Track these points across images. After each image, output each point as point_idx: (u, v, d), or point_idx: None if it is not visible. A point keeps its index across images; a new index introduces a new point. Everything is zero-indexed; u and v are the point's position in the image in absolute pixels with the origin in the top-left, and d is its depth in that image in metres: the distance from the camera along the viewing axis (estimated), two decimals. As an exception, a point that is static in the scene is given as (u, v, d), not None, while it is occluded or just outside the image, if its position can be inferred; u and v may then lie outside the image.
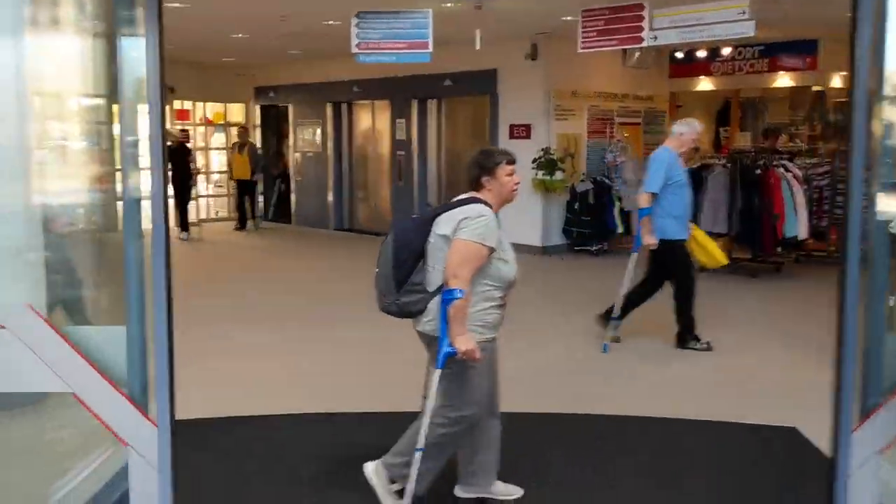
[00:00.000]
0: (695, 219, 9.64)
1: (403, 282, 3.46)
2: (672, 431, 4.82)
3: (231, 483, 4.06)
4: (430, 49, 8.04)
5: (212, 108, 15.73)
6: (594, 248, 11.34)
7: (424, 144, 13.02)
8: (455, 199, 3.63)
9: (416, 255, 3.48)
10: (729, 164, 9.71)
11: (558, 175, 10.88)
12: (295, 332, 7.23)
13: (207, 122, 15.54)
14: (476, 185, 3.62)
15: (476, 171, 3.61)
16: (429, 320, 3.46)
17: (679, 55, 12.31)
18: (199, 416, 4.68)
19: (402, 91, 12.97)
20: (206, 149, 15.62)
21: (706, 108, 13.71)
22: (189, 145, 13.88)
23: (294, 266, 10.99)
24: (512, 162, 3.65)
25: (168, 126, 12.45)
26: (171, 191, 12.33)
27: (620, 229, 11.43)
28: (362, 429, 4.79)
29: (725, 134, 13.28)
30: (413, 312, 3.49)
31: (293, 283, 9.69)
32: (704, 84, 12.52)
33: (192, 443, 4.06)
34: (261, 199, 15.17)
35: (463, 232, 3.37)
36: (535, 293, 8.68)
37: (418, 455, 3.42)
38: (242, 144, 14.35)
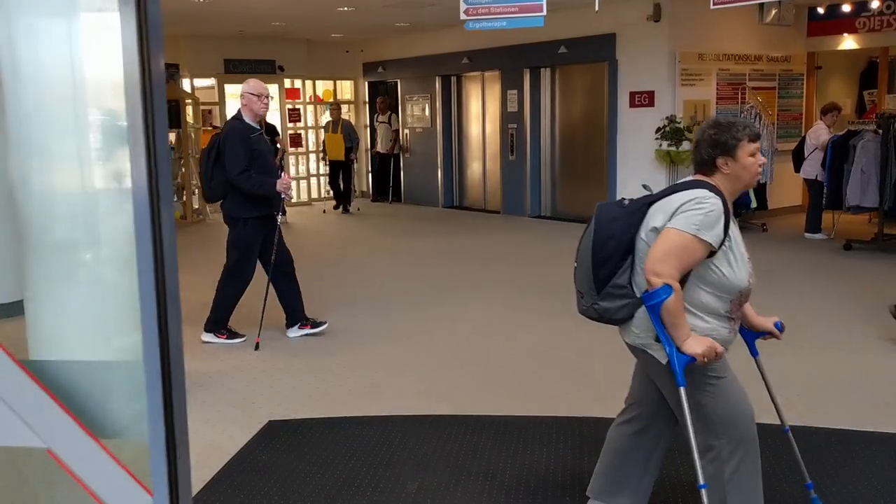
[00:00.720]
0: (838, 192, 8.71)
1: (605, 282, 2.81)
2: None
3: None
4: (544, 12, 7.40)
5: (321, 87, 15.55)
6: (724, 224, 10.44)
7: (538, 116, 12.38)
8: (679, 182, 2.95)
9: (623, 250, 2.80)
10: (880, 131, 8.66)
11: (685, 145, 10.04)
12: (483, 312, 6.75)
13: (317, 100, 15.38)
14: (708, 168, 2.86)
15: (709, 150, 2.84)
16: (638, 331, 2.81)
17: (820, 11, 11.17)
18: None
19: (514, 61, 12.35)
20: (316, 127, 15.47)
21: (849, 69, 12.46)
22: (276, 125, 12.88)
23: (429, 246, 10.63)
24: (756, 138, 2.86)
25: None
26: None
27: (754, 204, 10.48)
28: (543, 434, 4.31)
29: (871, 97, 12.02)
30: (615, 320, 2.85)
31: (443, 263, 9.32)
32: (848, 42, 11.31)
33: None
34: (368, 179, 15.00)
35: (677, 219, 2.69)
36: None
37: (703, 491, 2.69)
38: (336, 122, 13.54)
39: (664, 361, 2.74)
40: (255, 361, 5.45)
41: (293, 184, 14.36)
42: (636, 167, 10.81)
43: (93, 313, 2.15)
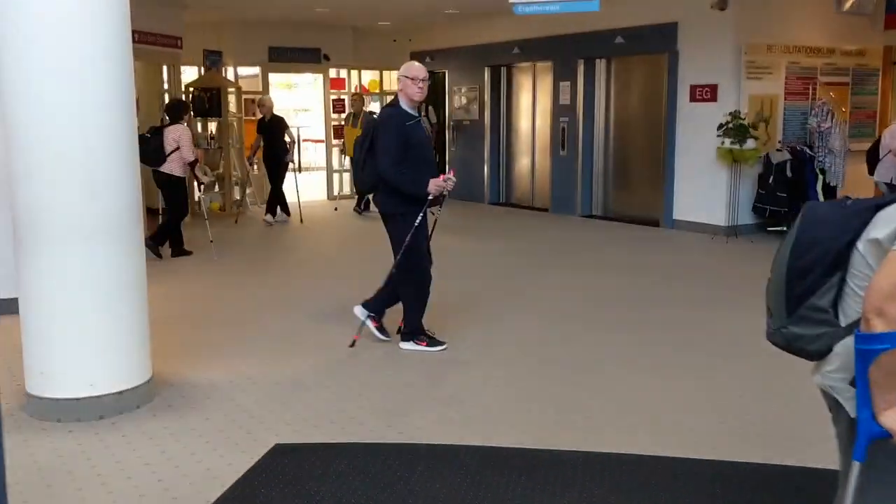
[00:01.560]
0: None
1: (801, 301, 2.16)
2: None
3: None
4: (601, -3, 6.81)
5: (367, 77, 15.11)
6: (790, 229, 9.71)
7: (591, 110, 11.75)
8: None
9: (830, 262, 2.13)
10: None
11: (750, 143, 9.33)
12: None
13: (363, 91, 14.93)
14: None
15: None
16: (832, 370, 2.15)
17: (901, 0, 10.34)
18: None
19: (567, 51, 11.73)
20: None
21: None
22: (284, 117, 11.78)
23: (474, 248, 10.10)
24: None
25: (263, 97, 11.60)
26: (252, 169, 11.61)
27: (823, 208, 9.71)
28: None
29: (954, 94, 11.12)
30: (808, 352, 2.20)
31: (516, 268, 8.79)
32: (930, 34, 10.45)
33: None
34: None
35: None
36: (725, 287, 7.34)
37: None
38: (356, 115, 12.27)
39: (853, 415, 2.09)
40: (274, 373, 5.00)
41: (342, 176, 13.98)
42: (696, 165, 10.13)
43: None
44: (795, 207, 9.40)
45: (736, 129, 9.36)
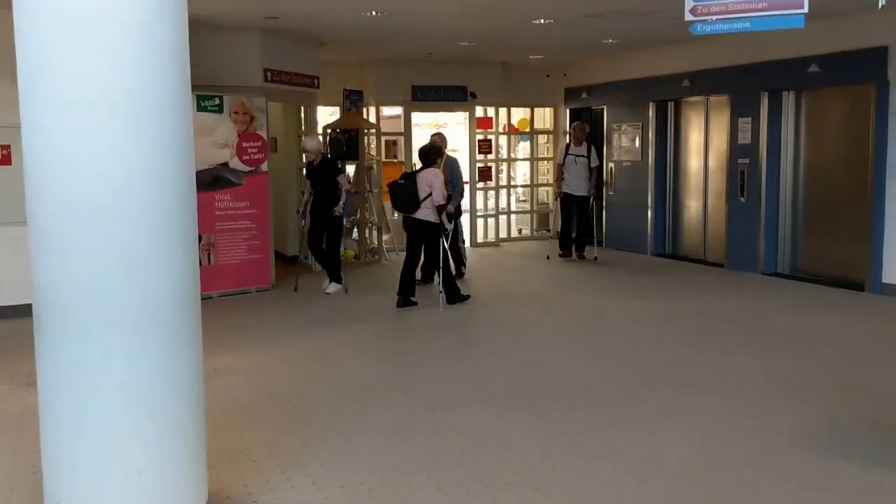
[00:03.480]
0: None
1: None
2: None
3: None
4: (805, 9, 5.29)
5: (517, 115, 14.00)
6: None
7: (777, 150, 10.02)
8: None
9: None
10: None
11: None
12: None
13: (512, 130, 13.83)
14: None
15: None
16: None
17: None
18: None
19: (748, 83, 10.09)
20: (510, 160, 13.91)
21: None
22: (338, 163, 10.03)
23: (633, 312, 8.69)
24: None
25: (305, 137, 9.88)
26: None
27: None
28: None
29: None
30: None
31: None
32: None
33: None
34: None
35: None
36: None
37: None
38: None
39: None
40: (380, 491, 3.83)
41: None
42: (915, 218, 8.22)
43: None
44: None
45: (973, 175, 7.44)
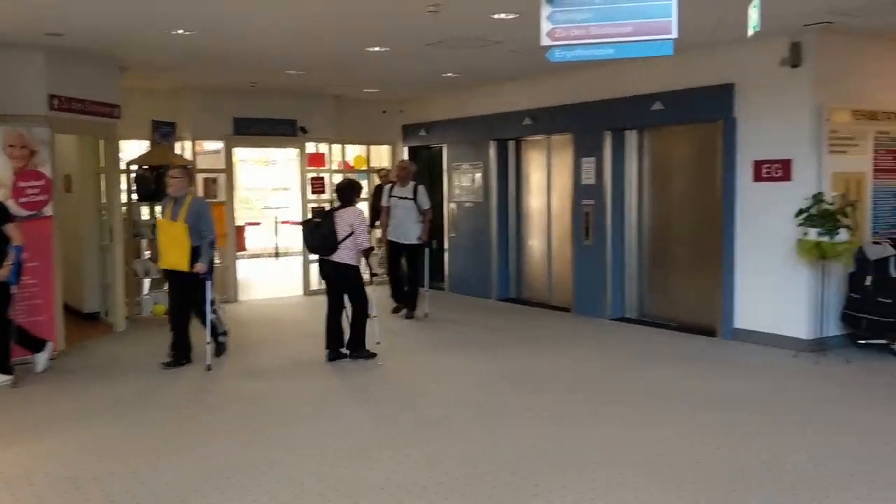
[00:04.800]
0: None
1: None
2: None
3: None
4: (674, 34, 4.71)
5: (352, 152, 13.09)
6: (896, 344, 7.50)
7: (622, 191, 9.65)
8: None
9: None
10: None
11: (842, 235, 7.18)
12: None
13: (347, 168, 12.89)
14: None
15: None
16: None
17: None
18: None
19: (591, 121, 9.70)
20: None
21: None
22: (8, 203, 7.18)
23: (473, 368, 7.83)
24: None
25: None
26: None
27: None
28: None
29: None
30: None
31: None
32: None
33: None
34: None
35: None
36: (872, 442, 5.04)
37: None
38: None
39: None
40: None
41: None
42: (765, 261, 7.97)
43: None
44: (903, 317, 7.20)
45: (823, 217, 7.23)
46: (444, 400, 6.35)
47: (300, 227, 8.02)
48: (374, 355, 7.63)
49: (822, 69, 7.58)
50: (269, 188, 17.55)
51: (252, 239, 16.36)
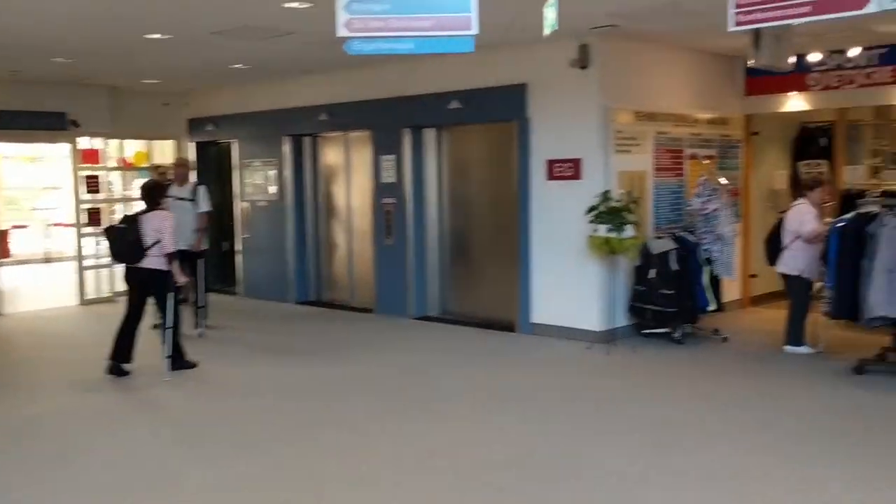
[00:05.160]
0: (850, 297, 6.43)
1: None
2: None
3: None
4: (474, 30, 4.61)
5: (132, 148, 12.10)
6: (678, 333, 7.94)
7: (421, 190, 9.58)
8: None
9: None
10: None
11: (629, 231, 7.50)
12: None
13: (126, 166, 11.90)
14: None
15: None
16: None
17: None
18: None
19: (390, 118, 9.55)
20: (126, 199, 11.91)
21: (784, 135, 10.54)
22: None
23: (257, 379, 7.35)
24: None
25: None
26: None
27: (712, 306, 8.07)
28: None
29: (807, 170, 10.08)
30: None
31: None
32: (795, 102, 9.32)
33: None
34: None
35: None
36: (610, 417, 5.20)
37: None
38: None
39: None
40: None
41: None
42: (559, 258, 8.18)
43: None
44: (684, 306, 7.66)
45: (611, 214, 7.51)
46: (231, 416, 5.91)
47: (104, 234, 7.40)
48: (195, 364, 7.25)
49: (607, 71, 7.88)
50: (38, 187, 15.90)
51: (18, 243, 14.76)
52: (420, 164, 9.53)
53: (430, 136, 9.54)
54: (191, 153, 12.14)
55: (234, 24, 7.05)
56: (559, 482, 4.47)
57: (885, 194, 8.22)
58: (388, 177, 9.66)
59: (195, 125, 12.14)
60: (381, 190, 9.76)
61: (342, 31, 4.59)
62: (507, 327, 8.69)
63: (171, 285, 7.04)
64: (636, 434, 5.26)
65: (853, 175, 9.57)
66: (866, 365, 6.66)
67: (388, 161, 9.66)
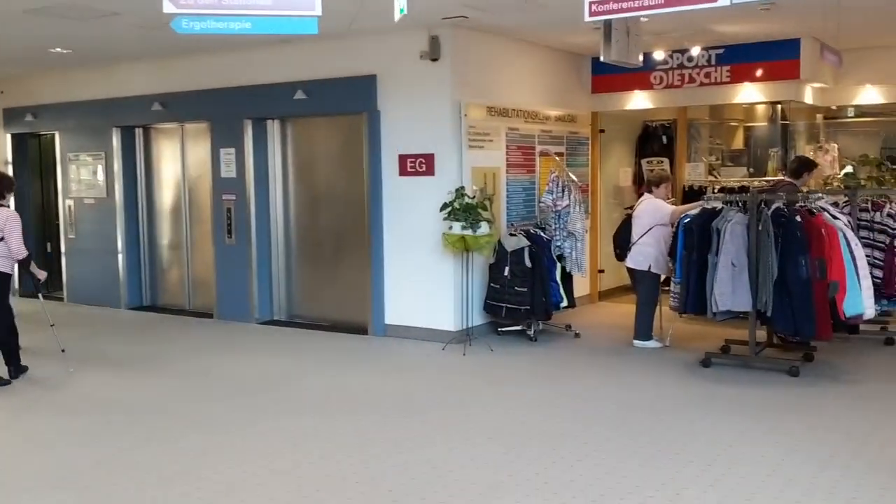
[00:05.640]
0: (698, 291, 6.55)
1: None
2: None
3: None
4: (318, 10, 4.24)
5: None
6: (532, 330, 7.86)
7: (265, 185, 9.04)
8: None
9: None
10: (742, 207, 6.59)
11: (484, 228, 7.32)
12: None
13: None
14: None
15: None
16: None
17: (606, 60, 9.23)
18: None
19: (230, 108, 8.96)
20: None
21: (629, 133, 10.77)
22: None
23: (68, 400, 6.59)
24: None
25: None
26: None
27: (565, 302, 8.05)
28: None
29: (650, 167, 10.36)
30: None
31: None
32: (639, 100, 9.51)
33: None
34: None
35: None
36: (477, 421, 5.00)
37: None
38: None
39: None
40: None
41: None
42: (413, 256, 7.91)
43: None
44: (538, 303, 7.60)
45: (465, 211, 7.31)
46: (50, 437, 5.24)
47: None
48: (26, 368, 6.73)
49: (459, 64, 7.67)
50: None
51: None
52: (263, 157, 9.00)
53: (273, 128, 9.02)
54: (6, 146, 11.00)
55: (49, 2, 6.29)
56: (410, 495, 4.17)
57: (724, 190, 8.50)
58: (229, 171, 9.07)
59: (11, 115, 11.00)
60: (221, 185, 9.15)
61: (168, 7, 4.12)
62: (360, 329, 8.33)
63: (9, 286, 6.64)
64: (491, 440, 5.05)
65: (694, 172, 9.89)
66: (712, 357, 6.79)
67: (228, 154, 9.06)
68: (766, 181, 9.27)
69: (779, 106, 10.52)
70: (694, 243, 6.62)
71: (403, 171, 7.91)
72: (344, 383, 6.51)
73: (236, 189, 9.04)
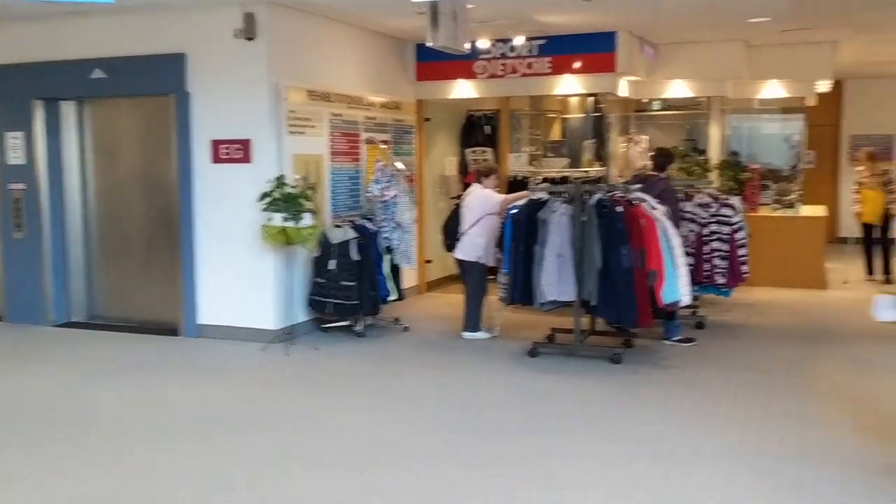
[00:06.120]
0: (525, 282, 6.53)
1: None
2: None
3: None
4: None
5: None
6: (360, 326, 7.55)
7: (60, 174, 8.15)
8: None
9: None
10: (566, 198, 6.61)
11: (307, 219, 6.91)
12: None
13: None
14: None
15: None
16: None
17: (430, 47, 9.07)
18: None
19: (16, 88, 7.98)
20: None
21: (454, 122, 10.69)
22: None
23: None
24: None
25: None
26: None
27: (394, 295, 7.81)
28: None
29: (475, 157, 10.34)
30: None
31: None
32: (462, 89, 9.43)
33: None
34: None
35: None
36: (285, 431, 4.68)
37: None
38: None
39: None
40: None
41: None
42: (228, 250, 7.37)
43: None
44: (366, 297, 7.31)
45: (287, 200, 6.87)
46: None
47: None
48: None
49: (276, 45, 7.21)
50: None
51: None
52: (57, 142, 8.10)
53: (69, 110, 8.14)
54: None
55: None
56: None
57: (547, 181, 8.55)
58: (16, 158, 8.08)
59: None
60: (8, 173, 8.14)
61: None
62: (170, 331, 7.68)
63: None
64: (317, 458, 4.72)
65: (517, 162, 9.95)
66: (539, 347, 6.79)
67: (14, 139, 8.07)
68: (585, 172, 9.49)
69: (594, 98, 10.83)
70: (521, 234, 6.57)
71: (217, 158, 7.34)
72: (144, 396, 5.89)
73: (26, 177, 8.07)
